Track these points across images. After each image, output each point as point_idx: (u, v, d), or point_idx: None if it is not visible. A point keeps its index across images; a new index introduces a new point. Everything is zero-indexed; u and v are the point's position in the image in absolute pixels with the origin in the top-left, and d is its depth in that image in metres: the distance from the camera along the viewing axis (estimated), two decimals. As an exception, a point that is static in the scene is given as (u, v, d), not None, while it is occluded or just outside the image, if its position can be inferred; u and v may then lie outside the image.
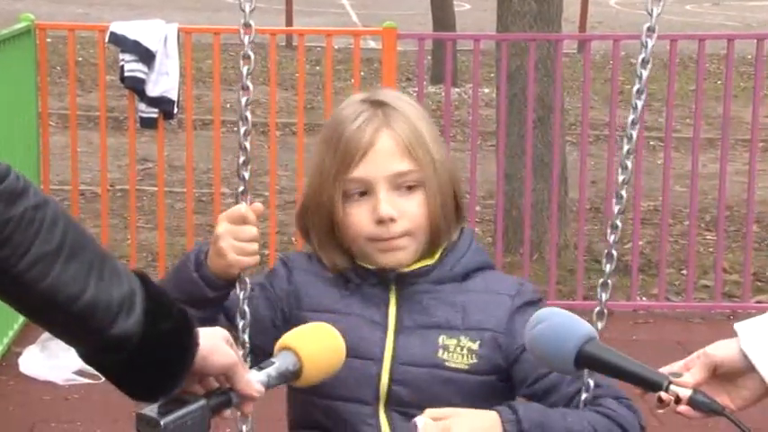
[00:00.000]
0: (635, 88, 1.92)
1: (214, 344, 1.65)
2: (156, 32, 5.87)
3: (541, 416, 1.93)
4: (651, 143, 9.12)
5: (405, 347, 2.01)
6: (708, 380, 1.73)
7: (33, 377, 4.94)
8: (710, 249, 6.72)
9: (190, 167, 6.06)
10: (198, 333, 1.63)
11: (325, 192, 2.02)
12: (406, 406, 1.99)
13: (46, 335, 5.14)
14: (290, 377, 1.76)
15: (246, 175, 1.92)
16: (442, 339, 2.00)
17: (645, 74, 1.91)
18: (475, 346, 2.00)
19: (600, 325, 1.92)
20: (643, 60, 1.90)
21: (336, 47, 6.99)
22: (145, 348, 1.57)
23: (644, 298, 6.05)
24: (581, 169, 5.92)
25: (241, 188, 1.94)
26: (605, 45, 9.97)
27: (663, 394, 1.69)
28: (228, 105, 10.25)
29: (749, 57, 9.42)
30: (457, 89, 11.39)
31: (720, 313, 5.89)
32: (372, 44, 12.00)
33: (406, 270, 2.04)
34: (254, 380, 1.69)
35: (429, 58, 10.55)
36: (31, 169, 5.81)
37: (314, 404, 2.05)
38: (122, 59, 5.88)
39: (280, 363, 1.74)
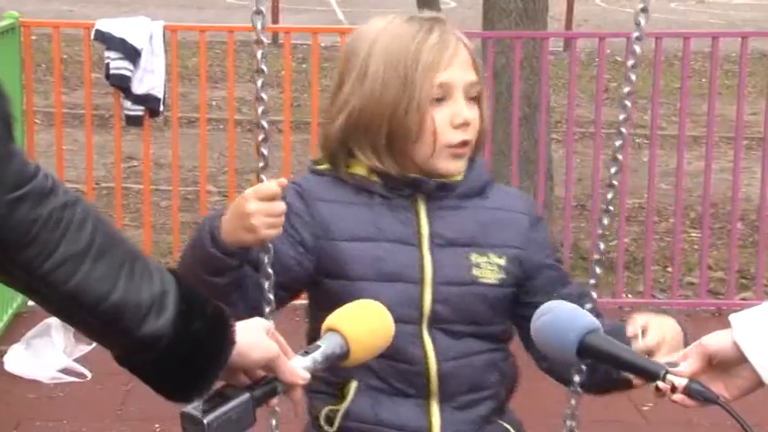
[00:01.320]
0: (625, 90, 2.09)
1: (253, 339, 1.63)
2: (141, 30, 5.87)
3: None
4: (636, 140, 9.15)
5: (441, 267, 2.10)
6: (704, 370, 1.78)
7: (18, 375, 4.93)
8: (695, 247, 6.74)
9: (175, 165, 6.05)
10: (234, 331, 1.61)
11: (402, 100, 2.06)
12: (447, 323, 2.10)
13: (31, 333, 5.13)
14: (336, 360, 1.73)
15: (266, 151, 2.02)
16: (474, 257, 2.12)
17: (633, 77, 2.09)
18: (503, 262, 2.14)
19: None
20: (633, 66, 2.09)
21: (323, 44, 6.98)
22: (176, 349, 1.56)
23: (629, 295, 6.07)
24: (567, 167, 5.93)
25: (261, 164, 2.03)
26: (591, 43, 9.99)
27: (660, 383, 1.74)
28: (214, 103, 10.25)
29: (734, 55, 9.45)
30: (443, 87, 11.39)
31: (705, 310, 5.91)
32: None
33: (444, 181, 2.12)
34: (298, 367, 1.66)
35: (415, 55, 10.52)
36: (16, 167, 5.80)
37: None
38: (108, 57, 5.87)
39: (326, 346, 1.71)
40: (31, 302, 5.65)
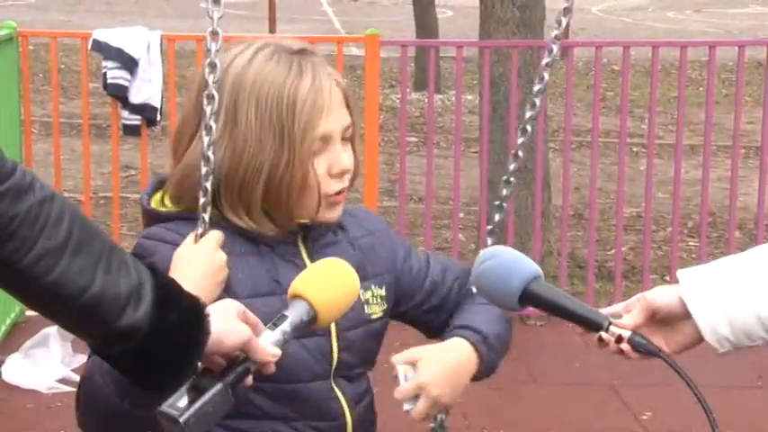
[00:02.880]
0: (535, 88, 2.16)
1: (226, 325, 1.64)
2: (138, 40, 5.87)
3: (486, 322, 2.02)
4: (634, 149, 9.15)
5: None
6: (646, 323, 1.81)
7: (16, 385, 4.93)
8: (693, 256, 6.74)
9: (173, 175, 6.04)
10: (209, 321, 1.63)
11: (279, 157, 1.87)
12: (349, 368, 1.99)
13: (29, 343, 5.12)
14: (305, 326, 1.72)
15: (212, 156, 1.87)
16: (361, 294, 1.96)
17: (546, 77, 2.17)
18: (383, 292, 2.04)
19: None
20: (546, 65, 2.14)
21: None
22: (153, 339, 1.58)
23: (627, 304, 6.06)
24: (564, 175, 5.93)
25: (205, 169, 1.87)
26: (588, 52, 10.01)
27: (603, 334, 1.76)
28: (211, 112, 10.26)
29: (731, 63, 9.46)
30: (440, 96, 11.41)
31: (703, 319, 5.90)
32: (355, 51, 12.02)
33: (309, 222, 1.96)
34: (268, 343, 1.68)
35: (412, 65, 10.57)
36: (14, 177, 5.80)
37: (260, 390, 1.90)
38: (105, 67, 5.88)
39: (293, 316, 1.71)
40: (29, 312, 5.64)
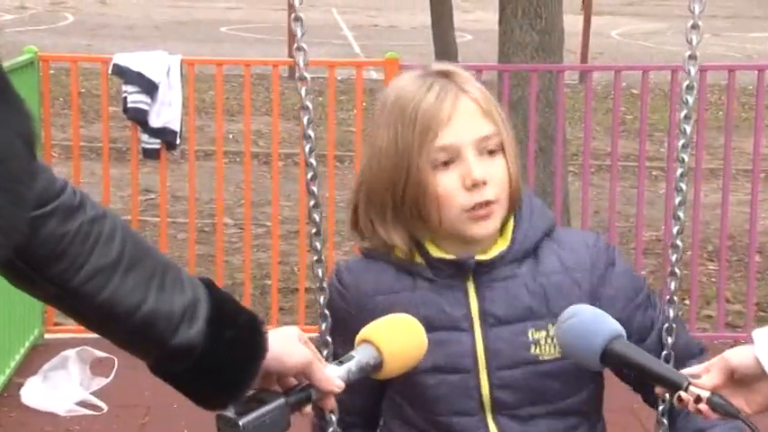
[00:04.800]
0: (682, 114, 1.96)
1: (286, 346, 1.65)
2: (159, 64, 5.90)
3: None
4: (653, 173, 9.13)
5: (496, 350, 1.95)
6: (725, 383, 1.79)
7: (35, 408, 4.93)
8: (713, 279, 6.71)
9: (192, 198, 6.06)
10: (266, 339, 1.63)
11: (410, 170, 1.91)
12: (512, 408, 1.97)
13: (48, 365, 5.13)
14: (370, 371, 1.73)
15: (315, 189, 1.94)
16: (531, 333, 1.95)
17: (690, 99, 1.95)
18: None
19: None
20: (687, 87, 1.94)
21: (339, 77, 7.00)
22: (209, 357, 1.58)
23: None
24: (583, 199, 5.92)
25: (312, 202, 1.93)
26: (607, 76, 10.00)
27: (683, 393, 1.75)
28: (231, 136, 10.29)
29: (750, 87, 9.44)
30: (459, 120, 11.40)
31: (723, 343, 5.87)
32: (375, 75, 12.04)
33: (485, 258, 1.96)
34: (333, 375, 1.68)
35: (431, 88, 10.55)
36: (34, 200, 5.82)
37: (413, 413, 2.01)
38: (125, 91, 5.90)
39: (360, 356, 1.72)
40: (48, 335, 5.65)
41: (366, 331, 1.76)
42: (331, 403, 1.70)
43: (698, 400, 1.74)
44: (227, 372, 1.60)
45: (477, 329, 1.96)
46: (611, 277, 2.01)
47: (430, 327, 1.88)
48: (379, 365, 1.73)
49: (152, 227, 7.46)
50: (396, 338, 1.76)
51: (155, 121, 5.89)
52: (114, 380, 5.05)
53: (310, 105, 1.91)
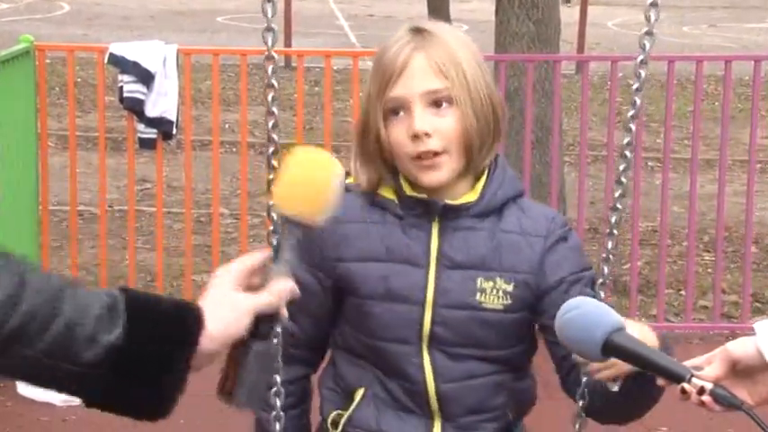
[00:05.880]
0: (634, 87, 2.13)
1: (223, 321, 1.59)
2: (155, 53, 5.89)
3: None
4: (649, 164, 9.14)
5: (445, 289, 2.11)
6: (728, 375, 1.79)
7: (31, 398, 4.93)
8: (709, 270, 6.72)
9: (188, 188, 6.06)
10: (198, 329, 1.57)
11: (370, 114, 2.10)
12: (447, 345, 2.11)
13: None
14: (301, 234, 1.73)
15: (276, 164, 2.01)
16: (479, 282, 2.11)
17: (643, 74, 2.11)
18: (509, 288, 2.12)
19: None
20: (641, 61, 2.10)
21: (335, 68, 6.99)
22: (133, 360, 1.53)
23: (643, 319, 6.04)
24: (579, 189, 5.92)
25: (271, 176, 2.00)
26: (603, 66, 9.99)
27: (685, 385, 1.75)
28: (227, 126, 10.28)
29: (746, 78, 9.43)
30: (455, 110, 11.39)
31: (719, 334, 5.88)
32: (371, 65, 12.02)
33: (453, 203, 2.11)
34: (281, 286, 1.66)
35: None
36: (30, 189, 5.82)
37: (355, 338, 2.17)
38: (121, 80, 5.90)
39: (290, 240, 1.72)
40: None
41: (281, 208, 1.75)
42: (283, 312, 1.70)
43: (701, 391, 1.74)
44: (151, 373, 1.54)
45: (432, 268, 2.11)
46: (560, 248, 2.16)
47: (390, 257, 2.10)
48: (301, 224, 1.71)
49: (148, 217, 7.45)
50: (312, 200, 1.72)
51: (151, 111, 5.88)
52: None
53: (276, 84, 2.05)
